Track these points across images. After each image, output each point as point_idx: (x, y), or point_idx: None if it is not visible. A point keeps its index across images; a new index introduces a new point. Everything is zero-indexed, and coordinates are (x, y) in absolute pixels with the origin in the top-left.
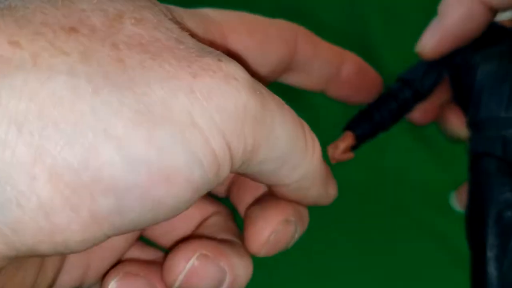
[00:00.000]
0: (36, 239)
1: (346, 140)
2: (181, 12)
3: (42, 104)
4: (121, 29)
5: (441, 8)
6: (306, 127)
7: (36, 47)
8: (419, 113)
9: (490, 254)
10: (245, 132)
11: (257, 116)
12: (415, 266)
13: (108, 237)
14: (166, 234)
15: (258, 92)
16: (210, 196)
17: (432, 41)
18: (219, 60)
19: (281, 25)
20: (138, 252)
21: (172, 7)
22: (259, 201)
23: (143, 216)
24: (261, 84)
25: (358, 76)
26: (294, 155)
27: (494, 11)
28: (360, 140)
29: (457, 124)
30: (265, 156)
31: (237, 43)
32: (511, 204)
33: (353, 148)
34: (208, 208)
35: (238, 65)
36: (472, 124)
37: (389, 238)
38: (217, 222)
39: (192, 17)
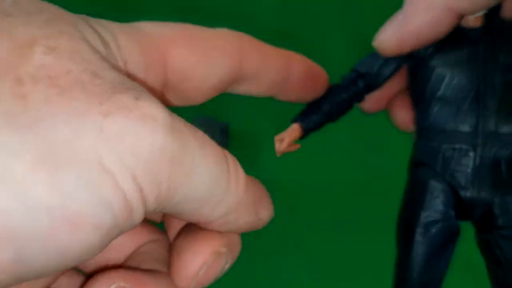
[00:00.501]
0: None
1: (293, 133)
2: (115, 31)
3: None
4: (30, 59)
5: (407, 8)
6: (230, 159)
7: None
8: (370, 102)
9: (415, 257)
10: (160, 176)
11: (175, 158)
12: None
13: (10, 285)
14: (94, 263)
15: (177, 132)
16: (149, 222)
17: (393, 40)
18: (137, 98)
19: (224, 35)
20: (67, 279)
21: (107, 24)
22: (187, 229)
23: (49, 265)
24: (183, 121)
25: (306, 76)
26: (216, 193)
27: (461, 17)
28: (307, 132)
29: (404, 119)
30: (183, 197)
31: (177, 60)
32: (439, 220)
33: (300, 138)
34: (144, 236)
35: (158, 103)
36: (419, 128)
37: (389, 239)
38: (150, 251)
39: (128, 36)
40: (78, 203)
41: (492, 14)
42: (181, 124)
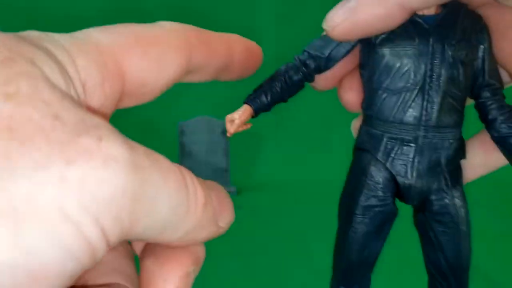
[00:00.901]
0: None
1: (243, 114)
2: (72, 50)
3: None
4: None
5: None
6: (189, 183)
7: None
8: (321, 80)
9: (354, 237)
10: (122, 214)
11: (137, 195)
12: (415, 266)
13: None
14: None
15: (139, 169)
16: None
17: (342, 26)
18: (100, 138)
19: (173, 33)
20: None
21: (63, 42)
22: (154, 247)
23: None
24: (145, 154)
25: (246, 56)
26: (176, 219)
27: (413, 12)
28: (257, 113)
29: (352, 100)
30: (144, 227)
31: (133, 70)
32: (377, 205)
33: (252, 117)
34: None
35: (120, 141)
36: (364, 114)
37: (389, 240)
38: (109, 260)
39: (85, 55)
40: (41, 257)
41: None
42: (143, 158)
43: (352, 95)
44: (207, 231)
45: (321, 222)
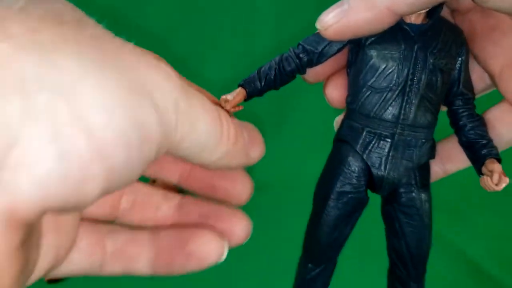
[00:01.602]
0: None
1: (237, 96)
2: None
3: None
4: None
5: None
6: (223, 116)
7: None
8: (311, 75)
9: (326, 220)
10: (175, 118)
11: (185, 110)
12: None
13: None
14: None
15: (188, 94)
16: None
17: (334, 27)
18: (159, 59)
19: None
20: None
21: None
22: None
23: (134, 173)
24: (194, 91)
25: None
26: (211, 142)
27: (401, 17)
28: (250, 96)
29: (336, 97)
30: (189, 142)
31: None
32: (351, 192)
33: (244, 101)
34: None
35: (174, 72)
36: (347, 108)
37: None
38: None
39: None
40: (150, 126)
41: (433, 13)
42: (190, 90)
43: (336, 93)
44: (238, 160)
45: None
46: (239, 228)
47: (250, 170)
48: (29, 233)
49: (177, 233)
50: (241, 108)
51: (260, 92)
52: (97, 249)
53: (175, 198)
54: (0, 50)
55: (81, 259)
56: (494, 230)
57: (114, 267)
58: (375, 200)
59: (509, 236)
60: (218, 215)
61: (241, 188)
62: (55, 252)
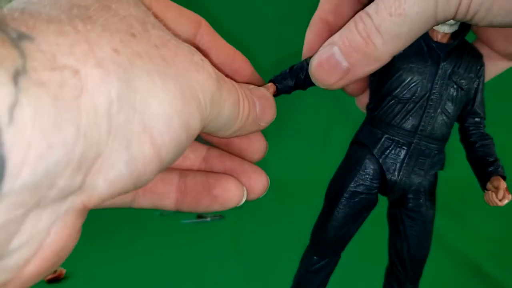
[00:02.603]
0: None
1: (269, 88)
2: None
3: None
4: (150, 33)
5: (350, 56)
6: (241, 99)
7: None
8: (351, 88)
9: (336, 216)
10: (213, 100)
11: (217, 96)
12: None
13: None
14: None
15: (221, 83)
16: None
17: (338, 84)
18: (202, 60)
19: (189, 11)
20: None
21: None
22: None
23: (182, 144)
24: (226, 78)
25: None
26: (232, 118)
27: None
28: (279, 92)
29: (362, 102)
30: (218, 118)
31: (157, 13)
32: (363, 192)
33: (273, 96)
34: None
35: (212, 67)
36: (369, 114)
37: (383, 238)
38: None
39: None
40: (195, 125)
41: (458, 34)
42: (224, 79)
43: (356, 86)
44: (250, 129)
45: None
46: (259, 182)
47: None
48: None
49: (204, 177)
50: None
51: (289, 90)
52: None
53: (202, 149)
54: (94, 76)
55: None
56: (494, 232)
57: (144, 202)
58: (380, 205)
59: (509, 238)
60: (240, 169)
61: (256, 147)
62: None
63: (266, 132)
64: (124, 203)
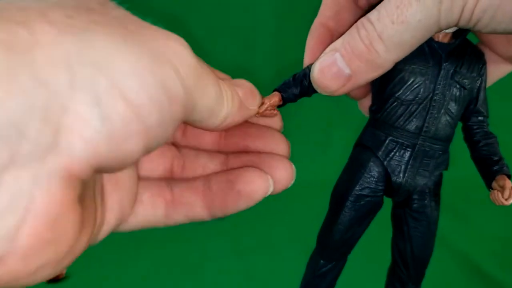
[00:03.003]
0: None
1: (273, 100)
2: None
3: None
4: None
5: (353, 63)
6: (221, 85)
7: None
8: (354, 92)
9: (342, 219)
10: (192, 82)
11: (198, 78)
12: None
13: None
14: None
15: (200, 67)
16: None
17: (341, 91)
18: (173, 33)
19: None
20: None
21: None
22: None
23: (168, 131)
24: (205, 65)
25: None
26: (216, 107)
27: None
28: (285, 102)
29: (365, 105)
30: (200, 107)
31: None
32: (368, 195)
33: (278, 106)
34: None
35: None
36: (372, 116)
37: (388, 236)
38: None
39: None
40: (175, 88)
41: (460, 34)
42: (202, 63)
43: (359, 90)
44: (241, 115)
45: (321, 222)
46: (283, 172)
47: None
48: (83, 189)
49: (225, 175)
50: (276, 113)
51: (295, 98)
52: (159, 200)
53: (220, 157)
54: (47, 32)
55: (145, 211)
56: (498, 232)
57: (177, 216)
58: (384, 203)
59: (511, 238)
60: (262, 161)
61: (275, 147)
62: (120, 208)
63: None
64: (157, 220)
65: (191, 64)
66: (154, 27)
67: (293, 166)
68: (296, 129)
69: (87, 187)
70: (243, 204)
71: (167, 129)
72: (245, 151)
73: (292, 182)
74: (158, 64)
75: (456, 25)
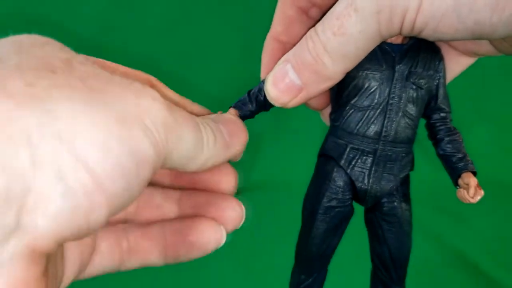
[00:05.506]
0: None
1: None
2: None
3: None
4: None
5: (303, 75)
6: (201, 126)
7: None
8: (317, 100)
9: (315, 233)
10: (166, 134)
11: (172, 125)
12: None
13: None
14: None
15: (172, 111)
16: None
17: (293, 102)
18: (144, 86)
19: (138, 72)
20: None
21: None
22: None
23: (133, 195)
24: (176, 107)
25: None
26: (196, 152)
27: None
28: (243, 119)
29: (325, 115)
30: (177, 154)
31: None
32: (337, 206)
33: None
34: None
35: (158, 95)
36: (331, 125)
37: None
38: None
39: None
40: (144, 151)
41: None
42: (173, 107)
43: (319, 101)
44: (224, 155)
45: None
46: (232, 213)
47: (248, 170)
48: (48, 261)
49: (179, 225)
50: None
51: (252, 114)
52: (115, 249)
53: (175, 194)
54: (4, 107)
55: (102, 260)
56: (493, 232)
57: (132, 263)
58: (358, 209)
59: (509, 237)
60: (213, 203)
61: (225, 179)
62: (79, 260)
63: (264, 132)
64: (113, 267)
65: (163, 117)
66: (123, 82)
67: (242, 205)
68: (296, 129)
69: (52, 257)
70: (196, 254)
71: (134, 192)
72: (196, 188)
73: (243, 221)
74: (125, 127)
75: (400, 34)
